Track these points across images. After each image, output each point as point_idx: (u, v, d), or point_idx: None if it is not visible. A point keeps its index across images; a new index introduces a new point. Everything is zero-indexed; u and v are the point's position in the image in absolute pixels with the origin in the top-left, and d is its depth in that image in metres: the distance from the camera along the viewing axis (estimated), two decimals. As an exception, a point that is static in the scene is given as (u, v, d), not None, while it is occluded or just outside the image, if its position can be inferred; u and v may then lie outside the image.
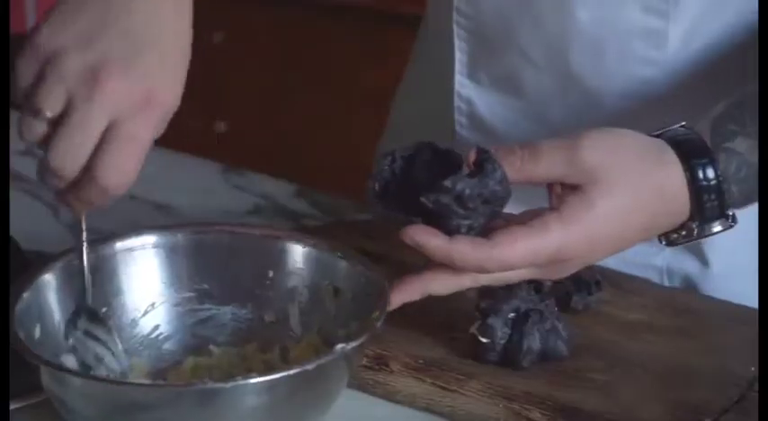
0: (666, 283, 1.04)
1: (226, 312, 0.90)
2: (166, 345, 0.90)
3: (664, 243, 0.86)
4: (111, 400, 0.75)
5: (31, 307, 0.82)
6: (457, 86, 1.07)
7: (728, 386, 0.85)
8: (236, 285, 0.90)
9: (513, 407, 0.83)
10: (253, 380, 0.74)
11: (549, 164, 0.81)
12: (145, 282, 0.89)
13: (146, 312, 0.89)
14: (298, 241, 0.90)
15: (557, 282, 0.95)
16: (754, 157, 0.83)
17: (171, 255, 0.90)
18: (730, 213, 0.84)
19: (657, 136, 0.83)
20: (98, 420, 0.77)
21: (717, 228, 0.84)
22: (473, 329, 0.87)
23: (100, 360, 0.82)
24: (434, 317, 0.92)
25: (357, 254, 0.88)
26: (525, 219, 0.81)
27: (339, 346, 0.77)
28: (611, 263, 1.03)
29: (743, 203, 0.85)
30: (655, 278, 1.03)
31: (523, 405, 0.83)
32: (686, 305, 0.96)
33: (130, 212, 1.17)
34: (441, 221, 0.80)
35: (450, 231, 0.80)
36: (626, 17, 0.96)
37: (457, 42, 1.05)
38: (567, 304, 0.94)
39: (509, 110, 1.06)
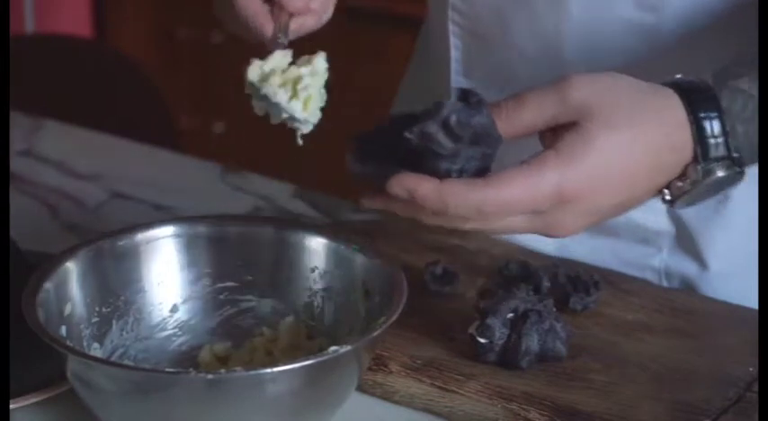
0: (665, 284, 1.04)
1: (266, 305, 0.91)
2: (201, 332, 0.91)
3: (668, 198, 0.80)
4: (133, 385, 0.77)
5: (54, 293, 0.84)
6: (453, 84, 1.07)
7: (726, 386, 0.85)
8: (277, 279, 0.91)
9: (511, 408, 0.83)
10: (263, 371, 0.75)
11: (537, 107, 0.77)
12: (185, 272, 0.91)
13: (187, 299, 0.91)
14: (336, 239, 0.90)
15: (555, 284, 0.96)
16: (755, 90, 0.79)
17: (217, 244, 0.91)
18: (736, 156, 0.78)
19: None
20: (122, 403, 0.79)
21: (721, 172, 0.78)
22: (472, 330, 0.87)
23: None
24: (433, 318, 0.92)
25: (388, 255, 0.88)
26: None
27: (332, 349, 0.77)
28: (610, 263, 1.04)
29: (749, 151, 0.79)
30: (653, 279, 1.03)
31: (522, 405, 0.83)
32: (684, 306, 0.96)
33: (129, 213, 1.17)
34: (428, 165, 0.75)
35: (439, 177, 0.75)
36: (618, 12, 0.96)
37: (452, 39, 1.06)
38: (566, 305, 0.94)
39: None
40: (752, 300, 0.91)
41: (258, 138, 2.78)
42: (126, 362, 0.87)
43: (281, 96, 0.80)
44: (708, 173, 0.78)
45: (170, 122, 2.11)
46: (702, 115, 0.77)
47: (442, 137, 0.74)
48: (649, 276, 1.04)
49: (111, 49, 2.60)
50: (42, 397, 0.85)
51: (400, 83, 1.24)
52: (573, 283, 0.95)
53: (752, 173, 0.97)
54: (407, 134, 0.74)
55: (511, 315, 0.87)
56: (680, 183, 0.79)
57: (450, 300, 0.96)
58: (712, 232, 1.02)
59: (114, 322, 0.88)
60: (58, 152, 1.33)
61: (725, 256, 1.02)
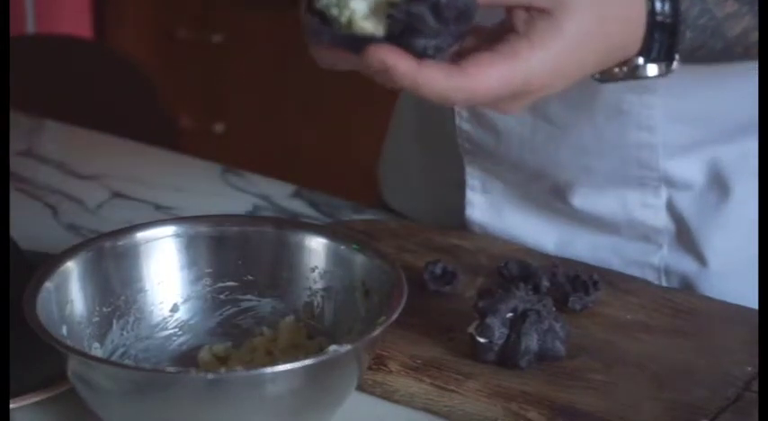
0: (664, 282, 1.04)
1: (266, 304, 0.91)
2: (202, 332, 0.91)
3: (597, 77, 0.83)
4: (135, 385, 0.77)
5: (55, 293, 0.84)
6: None
7: (725, 386, 0.85)
8: (277, 279, 0.91)
9: (510, 407, 0.83)
10: (264, 371, 0.75)
11: None
12: (186, 271, 0.91)
13: (187, 299, 0.91)
14: (336, 239, 0.90)
15: (555, 283, 0.96)
16: (719, 11, 0.82)
17: (218, 244, 0.91)
18: (676, 57, 0.82)
19: None
20: (122, 402, 0.79)
21: (653, 70, 0.82)
22: (471, 329, 0.87)
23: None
24: (432, 317, 0.92)
25: (388, 255, 0.88)
26: (491, 43, 0.77)
27: (332, 348, 0.78)
28: (610, 260, 1.04)
29: (689, 54, 0.82)
30: (652, 277, 1.03)
31: (521, 405, 0.83)
32: (683, 305, 0.96)
33: (129, 213, 1.17)
34: (404, 40, 0.74)
35: (415, 54, 0.74)
36: None
37: None
38: (565, 304, 0.94)
39: None
40: (752, 300, 0.91)
41: (258, 138, 2.79)
42: (126, 361, 0.87)
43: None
44: (644, 70, 0.81)
45: (170, 122, 2.12)
46: (659, 20, 0.80)
47: (428, 17, 0.73)
48: (649, 274, 1.04)
49: (111, 49, 2.61)
50: (42, 397, 0.85)
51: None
52: (572, 283, 0.95)
53: (753, 167, 0.97)
54: (393, 12, 0.73)
55: (510, 314, 0.87)
56: (616, 70, 0.82)
57: (449, 300, 0.96)
58: (713, 230, 1.02)
59: (115, 322, 0.88)
60: (58, 152, 1.33)
61: (725, 254, 1.02)
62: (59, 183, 1.25)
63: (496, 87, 0.76)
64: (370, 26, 0.74)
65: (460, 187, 1.09)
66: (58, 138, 1.39)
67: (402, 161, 1.22)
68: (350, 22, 0.74)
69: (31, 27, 2.75)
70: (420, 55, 0.74)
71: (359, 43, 0.74)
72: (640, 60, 0.81)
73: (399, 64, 0.74)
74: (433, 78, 0.74)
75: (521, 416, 0.83)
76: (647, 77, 0.82)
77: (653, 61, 0.81)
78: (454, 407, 0.85)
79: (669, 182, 1.01)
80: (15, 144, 1.31)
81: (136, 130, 1.49)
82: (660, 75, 0.82)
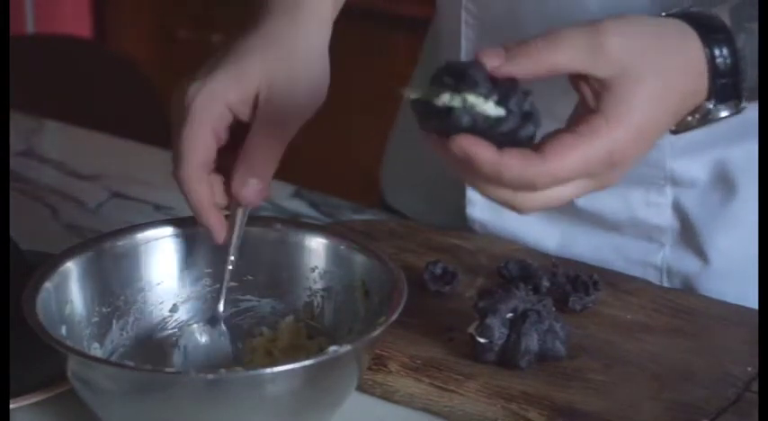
0: (666, 282, 1.04)
1: (265, 305, 0.92)
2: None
3: (673, 130, 0.83)
4: (134, 385, 0.77)
5: (55, 293, 0.84)
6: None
7: (725, 386, 0.85)
8: (277, 279, 0.91)
9: (510, 408, 0.83)
10: (264, 371, 0.75)
11: (571, 51, 0.76)
12: (185, 272, 0.91)
13: (187, 299, 0.91)
14: (336, 239, 0.91)
15: (555, 283, 0.96)
16: None
17: (217, 245, 0.90)
18: (745, 95, 0.81)
19: (672, 15, 0.81)
20: (122, 402, 0.79)
21: (724, 112, 0.81)
22: (471, 329, 0.87)
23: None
24: (433, 318, 0.92)
25: (388, 256, 0.88)
26: (569, 124, 0.78)
27: (332, 349, 0.78)
28: (612, 260, 1.04)
29: (752, 92, 0.82)
30: (654, 277, 1.03)
31: (521, 405, 0.83)
32: (683, 305, 0.96)
33: (129, 213, 1.17)
34: (491, 131, 0.74)
35: (496, 143, 0.75)
36: (636, 9, 0.96)
37: (464, 29, 1.05)
38: (565, 304, 0.94)
39: None
40: (753, 299, 0.91)
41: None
42: (126, 362, 0.87)
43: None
44: (717, 111, 0.81)
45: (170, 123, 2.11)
46: (719, 62, 0.79)
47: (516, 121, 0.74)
48: (651, 273, 1.04)
49: (111, 49, 2.61)
50: (42, 397, 0.85)
51: (410, 80, 1.24)
52: (572, 283, 0.95)
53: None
54: (512, 108, 0.74)
55: (510, 315, 0.87)
56: (690, 118, 0.82)
57: (449, 300, 0.96)
58: (717, 229, 1.02)
59: (114, 322, 0.88)
60: (58, 152, 1.33)
61: (728, 254, 1.02)
62: (59, 183, 1.25)
63: (580, 168, 0.76)
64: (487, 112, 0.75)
65: (462, 186, 1.09)
66: (57, 138, 1.39)
67: (405, 161, 1.22)
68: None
69: (30, 27, 2.75)
70: (501, 144, 0.74)
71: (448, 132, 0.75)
72: (710, 105, 0.81)
73: (480, 152, 0.74)
74: (512, 166, 0.74)
75: (521, 416, 0.83)
76: (720, 119, 0.82)
77: (722, 103, 0.81)
78: (454, 408, 0.85)
79: (675, 181, 1.01)
80: (15, 144, 1.31)
81: (136, 130, 1.49)
82: (732, 114, 0.82)
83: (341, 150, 2.56)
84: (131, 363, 0.87)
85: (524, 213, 0.78)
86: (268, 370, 0.75)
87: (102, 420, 0.81)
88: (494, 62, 0.75)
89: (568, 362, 0.87)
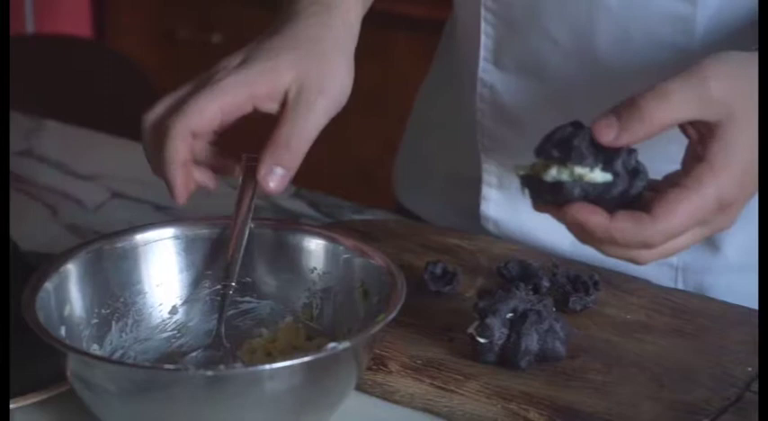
0: (680, 281, 1.04)
1: (265, 306, 0.92)
2: (201, 334, 0.91)
3: None
4: (134, 382, 0.77)
5: (54, 294, 0.85)
6: (480, 73, 1.07)
7: (726, 386, 0.85)
8: (276, 280, 0.91)
9: (510, 408, 0.83)
10: (263, 368, 0.75)
11: (682, 105, 0.76)
12: (185, 273, 0.91)
13: (187, 300, 0.91)
14: (335, 240, 0.91)
15: (555, 283, 0.96)
16: None
17: (217, 246, 0.91)
18: None
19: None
20: (121, 402, 0.79)
21: None
22: (471, 329, 0.87)
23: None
24: (433, 318, 0.92)
25: (388, 256, 0.88)
26: (673, 178, 0.78)
27: (330, 345, 0.78)
28: (627, 262, 1.04)
29: None
30: (669, 276, 1.03)
31: (521, 405, 0.83)
32: (683, 305, 0.96)
33: (129, 213, 1.17)
34: (599, 198, 0.77)
35: (607, 208, 0.77)
36: (654, 2, 0.96)
37: (483, 25, 1.05)
38: (565, 304, 0.94)
39: (532, 96, 1.05)
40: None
41: (258, 139, 2.78)
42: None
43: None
44: None
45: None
46: None
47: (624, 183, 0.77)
48: (666, 272, 1.04)
49: (111, 49, 2.61)
50: (42, 397, 0.85)
51: (423, 83, 1.24)
52: (572, 283, 0.95)
53: None
54: (618, 170, 0.77)
55: (510, 315, 0.87)
56: None
57: (449, 300, 0.96)
58: (736, 224, 1.01)
59: (114, 323, 0.88)
60: (58, 152, 1.33)
61: (744, 249, 1.02)
62: (59, 184, 1.25)
63: (691, 221, 0.77)
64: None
65: (476, 186, 1.09)
66: (57, 138, 1.39)
67: (418, 161, 1.22)
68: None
69: (30, 27, 2.75)
70: (614, 204, 0.77)
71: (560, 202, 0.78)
72: None
73: (590, 220, 0.76)
74: (623, 229, 0.76)
75: (521, 416, 0.83)
76: None
77: None
78: (454, 408, 0.85)
79: None
80: (15, 144, 1.31)
81: (136, 130, 1.48)
82: None
83: (341, 150, 2.56)
84: (130, 361, 0.87)
85: (643, 265, 0.80)
86: (267, 366, 0.75)
87: (102, 420, 0.81)
88: (609, 137, 0.77)
89: (568, 362, 0.87)
